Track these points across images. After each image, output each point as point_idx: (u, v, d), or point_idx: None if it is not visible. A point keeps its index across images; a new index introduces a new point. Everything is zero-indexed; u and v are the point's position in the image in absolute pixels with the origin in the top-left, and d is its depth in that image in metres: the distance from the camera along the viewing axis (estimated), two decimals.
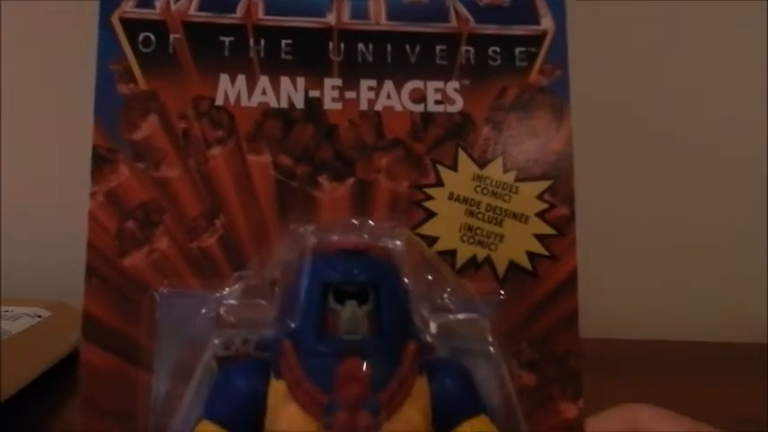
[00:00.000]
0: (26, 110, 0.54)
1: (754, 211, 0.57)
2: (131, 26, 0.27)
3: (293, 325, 0.21)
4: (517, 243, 0.27)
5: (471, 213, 0.27)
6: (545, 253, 0.27)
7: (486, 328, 0.25)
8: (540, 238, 0.28)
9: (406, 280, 0.22)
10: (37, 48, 0.53)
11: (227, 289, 0.25)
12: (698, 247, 0.57)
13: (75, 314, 0.45)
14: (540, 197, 0.28)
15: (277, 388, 0.21)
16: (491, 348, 0.25)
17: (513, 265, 0.27)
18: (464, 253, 0.27)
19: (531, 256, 0.27)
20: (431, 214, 0.27)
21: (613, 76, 0.54)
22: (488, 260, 0.27)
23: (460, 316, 0.24)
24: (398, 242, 0.23)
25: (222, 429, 0.21)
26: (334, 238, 0.23)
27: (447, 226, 0.27)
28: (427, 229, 0.27)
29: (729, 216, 0.57)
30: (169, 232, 0.26)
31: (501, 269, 0.27)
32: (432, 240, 0.27)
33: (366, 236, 0.23)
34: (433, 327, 0.24)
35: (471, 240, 0.27)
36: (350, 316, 0.21)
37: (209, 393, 0.22)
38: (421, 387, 0.21)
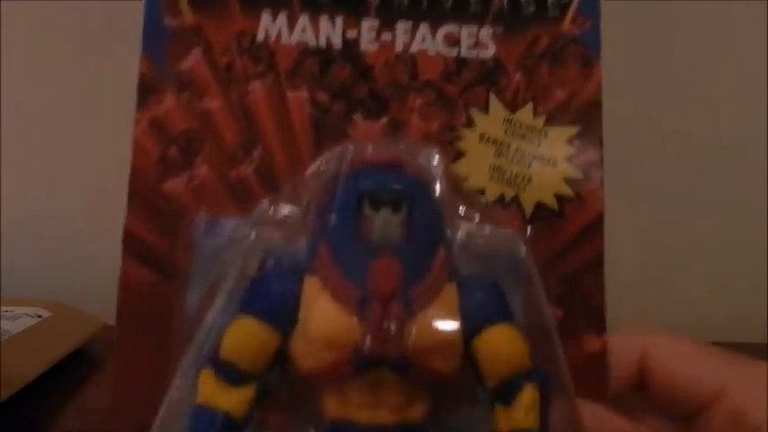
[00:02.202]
0: (26, 111, 0.54)
1: (754, 210, 0.57)
2: None
3: (329, 230, 0.22)
4: (545, 185, 0.28)
5: (500, 154, 0.28)
6: (572, 195, 0.28)
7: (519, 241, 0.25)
8: (569, 181, 0.28)
9: (438, 192, 0.23)
10: (37, 50, 0.54)
11: (261, 212, 0.26)
12: (697, 248, 0.57)
13: (75, 314, 0.46)
14: (569, 142, 0.28)
15: (311, 284, 0.22)
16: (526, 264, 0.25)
17: (540, 206, 0.28)
18: (492, 192, 0.28)
19: (559, 198, 0.28)
20: (460, 154, 0.28)
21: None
22: (516, 200, 0.28)
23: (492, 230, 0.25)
24: (434, 159, 0.24)
25: (260, 321, 0.22)
26: (371, 151, 0.23)
27: (476, 166, 0.28)
28: (457, 168, 0.28)
29: (728, 215, 0.57)
30: (209, 160, 0.27)
31: (528, 209, 0.28)
32: (461, 180, 0.28)
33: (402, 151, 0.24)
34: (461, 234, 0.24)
35: (500, 180, 0.28)
36: (383, 222, 0.21)
37: (243, 295, 0.23)
38: (450, 292, 0.22)
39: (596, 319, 0.28)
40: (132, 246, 0.27)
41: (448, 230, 0.23)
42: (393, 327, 0.20)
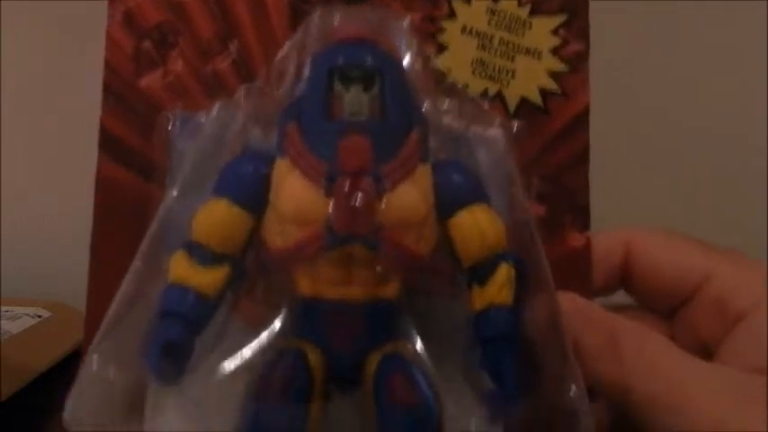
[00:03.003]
0: (26, 111, 0.53)
1: (754, 210, 0.55)
2: None
3: (298, 110, 0.21)
4: (529, 79, 0.27)
5: (484, 47, 0.27)
6: (557, 90, 0.27)
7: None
8: (553, 74, 0.27)
9: (406, 68, 0.22)
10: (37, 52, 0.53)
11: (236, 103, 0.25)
12: None
13: (75, 314, 0.45)
14: (554, 32, 0.27)
15: (281, 164, 0.21)
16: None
17: (524, 102, 0.27)
18: (475, 87, 0.27)
19: (543, 92, 0.27)
20: (442, 47, 0.27)
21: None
22: (500, 95, 0.27)
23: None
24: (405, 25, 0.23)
25: (231, 203, 0.22)
26: (340, 26, 0.23)
27: (459, 60, 0.27)
28: (439, 62, 0.27)
29: (728, 215, 0.55)
30: (184, 54, 0.27)
31: (512, 105, 0.27)
32: (442, 75, 0.27)
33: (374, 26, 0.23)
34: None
35: (483, 75, 0.27)
36: (354, 98, 0.21)
37: (216, 180, 0.22)
38: (423, 172, 0.21)
39: (581, 217, 0.27)
40: (108, 144, 0.26)
41: (422, 111, 0.22)
42: (362, 201, 0.20)
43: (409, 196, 0.21)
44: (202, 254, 0.22)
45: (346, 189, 0.20)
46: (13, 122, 0.53)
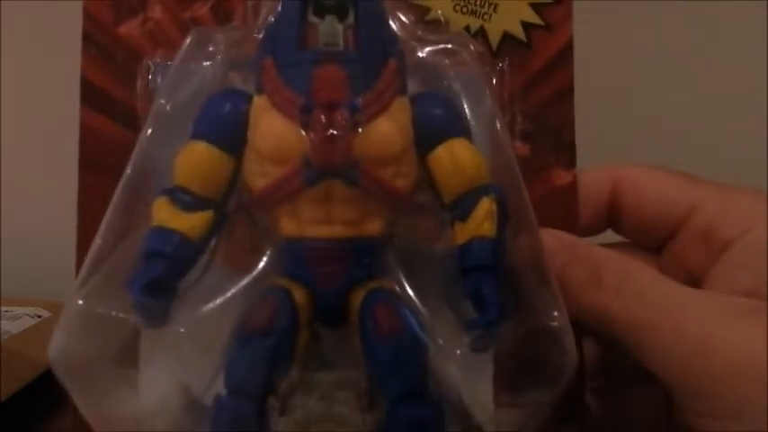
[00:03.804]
0: (26, 110, 0.53)
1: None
2: None
3: (273, 45, 0.21)
4: (511, 13, 0.27)
5: None
6: (540, 23, 0.27)
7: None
8: (536, 6, 0.27)
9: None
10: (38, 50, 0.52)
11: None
12: None
13: None
14: None
15: (258, 102, 0.21)
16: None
17: (507, 36, 0.27)
18: (456, 23, 0.27)
19: (526, 26, 0.27)
20: None
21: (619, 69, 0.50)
22: (482, 31, 0.27)
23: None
24: None
25: (210, 145, 0.22)
26: None
27: None
28: None
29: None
30: (162, 1, 0.26)
31: (495, 41, 0.27)
32: (424, 11, 0.27)
33: None
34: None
35: (464, 10, 0.27)
36: (329, 28, 0.21)
37: (195, 120, 0.22)
38: (401, 106, 0.21)
39: (567, 154, 0.27)
40: (89, 94, 0.26)
41: (399, 43, 0.22)
42: (338, 134, 0.20)
43: (385, 129, 0.21)
44: (184, 199, 0.22)
45: (322, 123, 0.20)
46: (13, 123, 0.53)
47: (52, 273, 0.49)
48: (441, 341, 0.22)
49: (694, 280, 0.25)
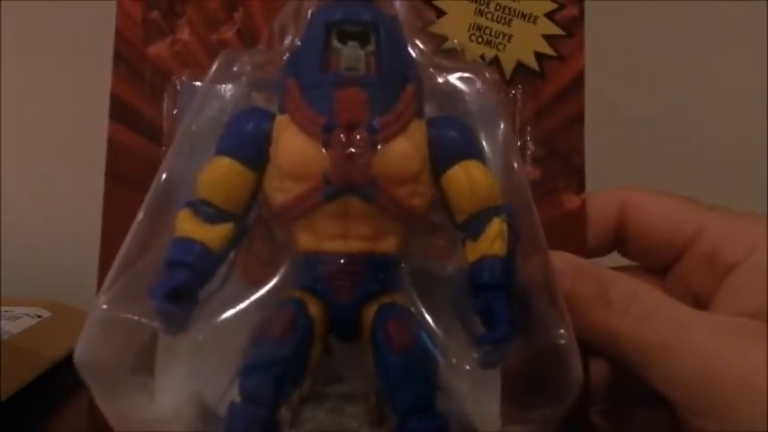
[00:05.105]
0: (27, 111, 0.53)
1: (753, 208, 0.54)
2: None
3: (297, 67, 0.22)
4: (525, 43, 0.28)
5: (481, 13, 0.28)
6: (553, 53, 0.28)
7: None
8: (549, 38, 0.28)
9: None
10: (38, 51, 0.53)
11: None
12: None
13: (75, 314, 0.45)
14: None
15: (281, 121, 0.22)
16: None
17: (520, 66, 0.28)
18: (472, 52, 0.28)
19: (539, 56, 0.28)
20: (441, 13, 0.28)
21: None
22: (496, 60, 0.28)
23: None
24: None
25: (233, 160, 0.22)
26: None
27: (456, 25, 0.28)
28: (437, 28, 0.28)
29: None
30: (191, 23, 0.28)
31: (508, 69, 0.28)
32: (441, 40, 0.28)
33: None
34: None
35: (480, 40, 0.28)
36: (351, 53, 0.22)
37: (220, 137, 0.23)
38: (418, 127, 0.22)
39: (576, 179, 0.28)
40: (118, 110, 0.27)
41: (417, 69, 0.23)
42: (357, 152, 0.21)
43: (403, 149, 0.21)
44: (206, 211, 0.23)
45: (342, 142, 0.21)
46: (13, 123, 0.53)
47: (52, 273, 0.50)
48: (452, 357, 0.23)
49: (699, 302, 0.26)
